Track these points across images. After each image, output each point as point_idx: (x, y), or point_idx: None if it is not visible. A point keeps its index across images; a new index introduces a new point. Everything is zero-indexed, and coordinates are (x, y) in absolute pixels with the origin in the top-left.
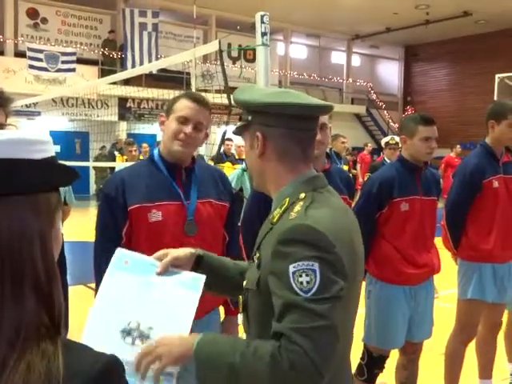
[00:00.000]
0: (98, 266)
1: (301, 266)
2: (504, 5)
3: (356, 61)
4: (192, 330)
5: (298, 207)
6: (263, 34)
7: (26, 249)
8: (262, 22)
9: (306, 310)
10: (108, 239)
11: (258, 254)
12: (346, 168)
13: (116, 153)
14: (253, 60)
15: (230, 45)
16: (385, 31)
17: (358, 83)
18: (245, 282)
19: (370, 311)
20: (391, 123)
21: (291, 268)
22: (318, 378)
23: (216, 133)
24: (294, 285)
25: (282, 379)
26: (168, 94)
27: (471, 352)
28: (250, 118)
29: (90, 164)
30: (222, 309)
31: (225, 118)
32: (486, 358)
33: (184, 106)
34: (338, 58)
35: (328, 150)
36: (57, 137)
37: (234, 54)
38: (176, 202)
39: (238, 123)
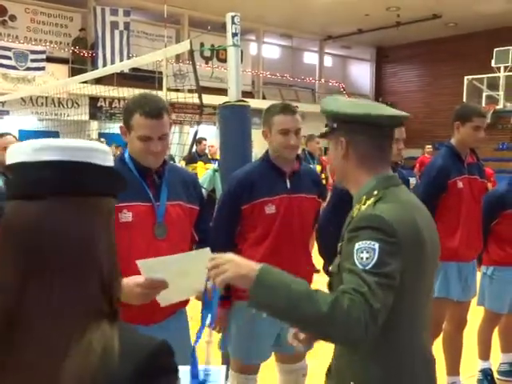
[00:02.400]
0: None
1: (363, 245)
2: (473, 8)
3: (328, 61)
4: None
5: (369, 202)
6: (234, 35)
7: (95, 241)
8: (233, 22)
9: (361, 278)
10: None
11: (340, 244)
12: (319, 168)
13: None
14: (225, 60)
15: (202, 44)
16: (356, 32)
17: (330, 83)
18: (331, 267)
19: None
20: None
21: (356, 246)
22: (365, 330)
23: (189, 132)
24: (355, 259)
25: (339, 319)
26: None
27: (438, 349)
28: (335, 125)
29: None
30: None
31: (197, 118)
32: (453, 354)
33: (142, 125)
34: (310, 58)
35: (300, 151)
36: (26, 136)
37: (207, 53)
38: (146, 204)
39: (324, 129)
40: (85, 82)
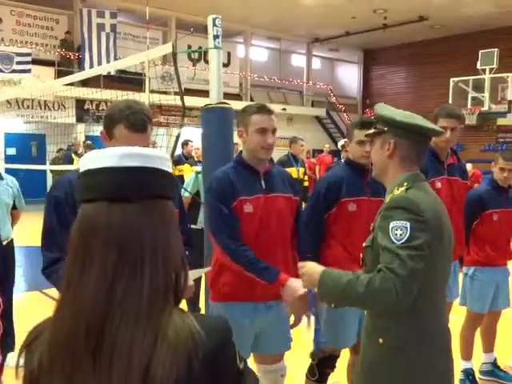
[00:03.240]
0: (49, 273)
1: (397, 224)
2: (459, 11)
3: (316, 64)
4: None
5: (401, 189)
6: (215, 37)
7: (171, 236)
8: (214, 24)
9: (394, 253)
10: (55, 243)
11: (374, 223)
12: (302, 170)
13: (73, 156)
14: None
15: (190, 46)
16: (344, 35)
17: (318, 86)
18: (364, 243)
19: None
20: None
21: (391, 225)
22: (397, 297)
23: (171, 135)
24: (391, 235)
25: (373, 293)
26: (127, 95)
27: None
28: (385, 128)
29: (47, 167)
30: None
31: (181, 121)
32: None
33: (125, 138)
34: (298, 60)
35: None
36: (12, 139)
37: (195, 55)
38: None
39: (372, 130)
40: (71, 85)
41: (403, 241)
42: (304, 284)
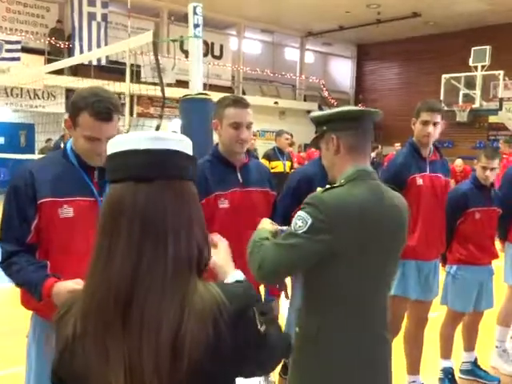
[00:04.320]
0: (5, 266)
1: (302, 214)
2: (452, 7)
3: (309, 58)
4: None
5: (328, 186)
6: (195, 26)
7: (194, 213)
8: (195, 13)
9: (287, 235)
10: (13, 236)
11: None
12: (289, 164)
13: (63, 145)
14: (206, 54)
15: (182, 37)
16: (337, 29)
17: (310, 80)
18: None
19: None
20: None
21: (298, 213)
22: (258, 270)
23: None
24: (293, 222)
25: (251, 253)
26: (118, 85)
27: (398, 348)
28: (324, 128)
29: (36, 157)
30: None
31: (161, 111)
32: (413, 353)
33: (90, 126)
34: (291, 54)
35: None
36: (0, 128)
37: (187, 46)
38: (89, 199)
39: (314, 137)
40: (61, 74)
41: (299, 231)
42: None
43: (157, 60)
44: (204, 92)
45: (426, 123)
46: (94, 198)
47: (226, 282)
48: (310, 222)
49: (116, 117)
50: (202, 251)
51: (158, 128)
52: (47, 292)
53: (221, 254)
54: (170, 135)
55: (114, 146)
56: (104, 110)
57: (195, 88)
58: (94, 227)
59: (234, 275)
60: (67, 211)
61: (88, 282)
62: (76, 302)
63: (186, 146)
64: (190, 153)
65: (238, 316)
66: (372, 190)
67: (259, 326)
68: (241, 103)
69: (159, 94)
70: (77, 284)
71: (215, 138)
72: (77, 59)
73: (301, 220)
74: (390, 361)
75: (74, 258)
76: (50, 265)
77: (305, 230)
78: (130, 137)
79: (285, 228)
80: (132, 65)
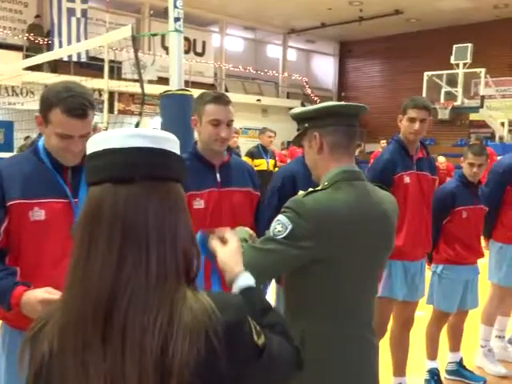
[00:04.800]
0: None
1: (282, 219)
2: (434, 5)
3: (292, 55)
4: None
5: (310, 189)
6: (176, 19)
7: (180, 216)
8: (175, 6)
9: (264, 239)
10: None
11: None
12: (272, 162)
13: None
14: (187, 51)
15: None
16: (320, 26)
17: (293, 77)
18: None
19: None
20: None
21: (277, 216)
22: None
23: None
24: (272, 225)
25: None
26: (98, 82)
27: (384, 350)
28: (306, 125)
29: (14, 155)
30: None
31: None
32: (399, 355)
33: (62, 124)
34: (273, 51)
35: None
36: None
37: (168, 43)
38: (62, 200)
39: (296, 135)
40: (40, 71)
41: (278, 237)
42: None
43: (136, 55)
44: (185, 88)
45: (412, 120)
46: (68, 199)
47: (231, 283)
48: (290, 227)
49: (91, 113)
50: (191, 258)
51: (137, 125)
52: (16, 301)
53: (227, 249)
54: (154, 133)
55: (93, 145)
56: (78, 106)
57: (176, 84)
58: (67, 230)
59: (241, 278)
60: (38, 214)
61: (66, 293)
62: (53, 316)
63: (172, 144)
64: (177, 151)
65: (232, 329)
66: (358, 192)
67: (256, 339)
68: (222, 100)
69: (140, 90)
70: (47, 293)
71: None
72: (53, 54)
73: (280, 225)
74: (377, 367)
75: (46, 264)
76: (20, 271)
77: (284, 235)
78: (109, 135)
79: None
80: (113, 61)
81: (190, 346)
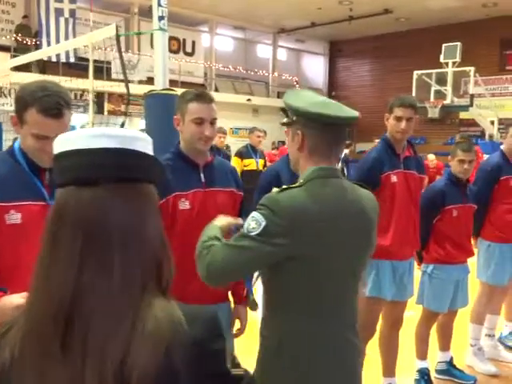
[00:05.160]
0: None
1: (256, 216)
2: (424, 4)
3: (282, 55)
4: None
5: (284, 186)
6: (160, 18)
7: (148, 223)
8: (159, 4)
9: (239, 236)
10: None
11: None
12: (261, 162)
13: None
14: (177, 51)
15: (146, 31)
16: (310, 26)
17: (283, 77)
18: None
19: None
20: None
21: (252, 213)
22: (206, 272)
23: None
24: (246, 223)
25: (200, 254)
26: (84, 83)
27: (374, 350)
28: (294, 118)
29: None
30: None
31: (123, 109)
32: (389, 355)
33: (38, 124)
34: (263, 51)
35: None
36: None
37: None
38: (39, 203)
39: (285, 119)
40: (29, 71)
41: (252, 233)
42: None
43: (120, 55)
44: (170, 88)
45: (399, 119)
46: (45, 201)
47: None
48: (263, 224)
49: (67, 113)
50: (161, 264)
51: (122, 125)
52: None
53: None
54: (122, 132)
55: (60, 144)
56: (53, 105)
57: (160, 83)
58: None
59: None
60: (15, 217)
61: (29, 297)
62: (17, 321)
63: (143, 144)
64: (149, 151)
65: (198, 346)
66: (333, 189)
67: (227, 365)
68: (204, 98)
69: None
70: (23, 298)
71: None
72: (39, 54)
73: (254, 221)
74: (361, 368)
75: (24, 268)
76: None
77: (258, 232)
78: (75, 134)
79: (241, 222)
80: (101, 61)
81: (151, 357)
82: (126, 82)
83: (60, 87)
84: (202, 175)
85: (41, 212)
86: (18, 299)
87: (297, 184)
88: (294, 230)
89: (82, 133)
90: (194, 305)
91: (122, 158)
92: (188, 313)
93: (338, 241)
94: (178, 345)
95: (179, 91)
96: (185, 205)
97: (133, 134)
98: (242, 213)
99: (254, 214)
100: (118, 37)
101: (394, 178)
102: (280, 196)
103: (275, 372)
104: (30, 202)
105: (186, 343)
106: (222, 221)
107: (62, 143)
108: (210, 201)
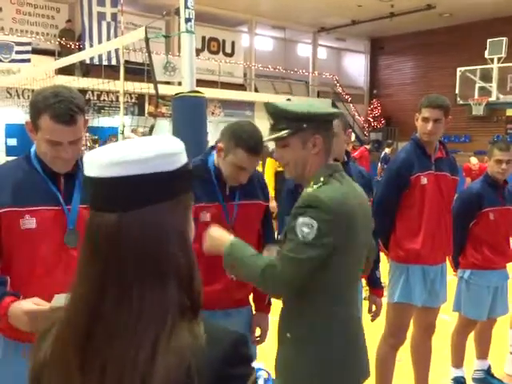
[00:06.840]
0: None
1: (305, 220)
2: None
3: (322, 53)
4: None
5: (315, 186)
6: (187, 20)
7: (168, 245)
8: (186, 6)
9: (296, 246)
10: None
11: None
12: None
13: None
14: (217, 52)
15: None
16: (350, 24)
17: (323, 76)
18: (279, 236)
19: None
20: (357, 116)
21: (299, 220)
22: (279, 288)
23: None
24: (298, 231)
25: (265, 282)
26: (132, 86)
27: (405, 357)
28: (304, 125)
29: None
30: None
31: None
32: (422, 363)
33: (51, 130)
34: (303, 50)
35: None
36: (13, 130)
37: (198, 45)
38: (54, 208)
39: (283, 132)
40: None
41: (308, 239)
42: (207, 245)
43: (149, 57)
44: (197, 90)
45: (426, 120)
46: (60, 206)
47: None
48: (316, 225)
49: (81, 118)
50: (190, 283)
51: (151, 128)
52: (3, 312)
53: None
54: (135, 156)
55: (85, 165)
56: (65, 111)
57: (188, 85)
58: (60, 238)
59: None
60: (29, 222)
61: (67, 305)
62: (55, 324)
63: (159, 162)
64: (174, 163)
65: (217, 368)
66: (347, 182)
67: None
68: (256, 150)
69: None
70: (34, 304)
71: (210, 138)
72: (76, 57)
73: (305, 226)
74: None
75: (38, 273)
76: (12, 280)
77: (314, 235)
78: (89, 160)
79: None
80: (142, 63)
81: (171, 382)
82: (155, 84)
83: (73, 92)
84: (227, 188)
85: (55, 217)
86: (28, 305)
87: (320, 182)
88: (338, 223)
89: (95, 160)
90: (218, 311)
91: (135, 187)
92: (212, 335)
93: (359, 230)
94: (196, 367)
95: (219, 92)
96: (205, 217)
97: (151, 155)
98: (268, 222)
99: (301, 219)
100: (147, 39)
101: (424, 180)
102: (319, 194)
103: (303, 365)
104: (45, 207)
105: (205, 366)
106: (216, 232)
107: (86, 165)
108: (234, 215)
